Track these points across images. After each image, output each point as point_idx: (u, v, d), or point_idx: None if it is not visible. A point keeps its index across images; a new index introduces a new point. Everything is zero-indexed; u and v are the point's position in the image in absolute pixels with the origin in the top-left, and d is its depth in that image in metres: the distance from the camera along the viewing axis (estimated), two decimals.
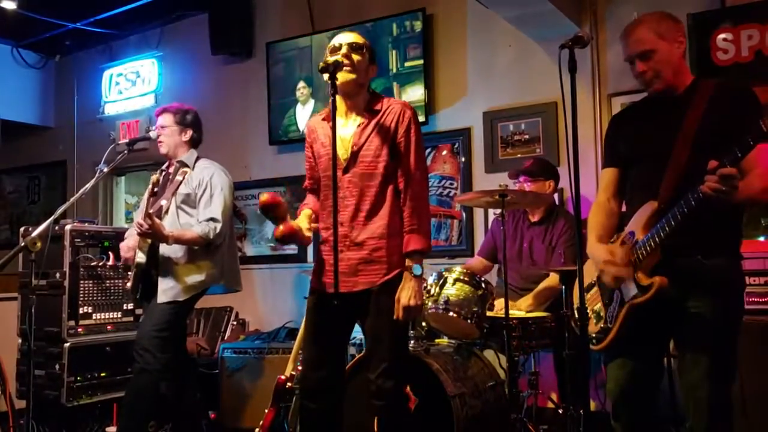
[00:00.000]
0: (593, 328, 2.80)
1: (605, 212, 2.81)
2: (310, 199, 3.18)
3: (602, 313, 2.77)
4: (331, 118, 2.71)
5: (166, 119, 4.23)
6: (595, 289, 2.83)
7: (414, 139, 2.96)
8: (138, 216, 3.87)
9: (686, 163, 2.50)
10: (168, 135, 4.21)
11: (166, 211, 4.04)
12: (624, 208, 2.84)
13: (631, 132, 2.80)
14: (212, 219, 4.02)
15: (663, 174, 2.55)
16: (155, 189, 3.87)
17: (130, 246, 4.14)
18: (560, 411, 4.05)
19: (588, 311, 2.83)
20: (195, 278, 4.03)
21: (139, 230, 3.83)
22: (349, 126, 2.97)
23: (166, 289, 3.99)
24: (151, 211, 3.82)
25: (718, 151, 2.29)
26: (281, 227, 2.78)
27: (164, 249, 4.01)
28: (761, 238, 4.46)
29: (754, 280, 3.65)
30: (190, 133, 4.26)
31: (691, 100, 2.58)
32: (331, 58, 2.81)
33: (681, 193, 2.41)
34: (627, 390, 2.69)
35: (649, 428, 2.75)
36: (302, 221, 2.97)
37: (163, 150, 4.24)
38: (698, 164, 2.35)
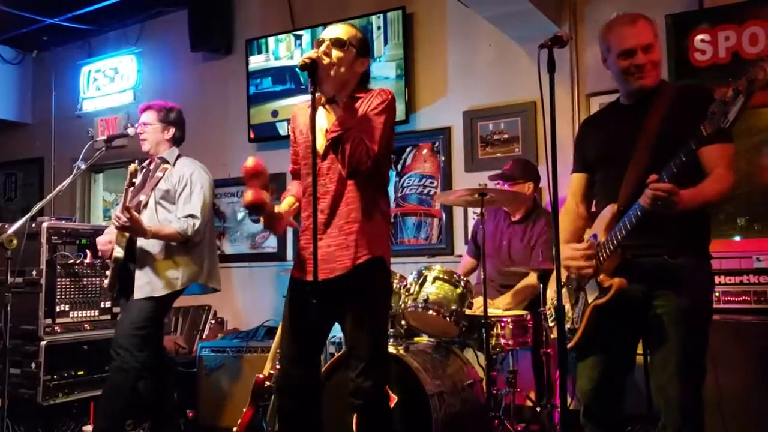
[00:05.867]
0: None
1: (571, 217, 2.90)
2: (293, 185, 3.16)
3: (570, 314, 2.82)
4: (311, 117, 2.68)
5: (150, 116, 4.20)
6: (565, 290, 2.87)
7: (377, 111, 2.84)
8: (116, 210, 3.85)
9: (646, 166, 2.53)
10: (150, 132, 4.19)
11: (145, 206, 4.02)
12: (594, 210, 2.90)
13: (597, 136, 2.87)
14: (191, 216, 4.00)
15: (624, 177, 2.61)
16: (133, 180, 3.83)
17: (108, 240, 4.12)
18: (538, 409, 4.07)
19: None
20: (172, 274, 4.00)
21: (117, 223, 3.81)
22: (330, 116, 2.93)
23: (142, 285, 3.96)
24: (129, 204, 3.80)
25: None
26: (250, 194, 2.76)
27: (142, 243, 3.99)
28: (737, 238, 4.50)
29: (730, 280, 3.69)
30: (172, 131, 4.24)
31: (653, 103, 2.64)
32: (312, 54, 2.75)
33: (639, 196, 2.44)
34: (600, 388, 2.74)
35: (619, 424, 2.84)
36: (283, 208, 2.97)
37: (145, 147, 4.21)
38: (657, 167, 2.40)
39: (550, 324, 3.01)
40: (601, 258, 2.61)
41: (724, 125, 2.18)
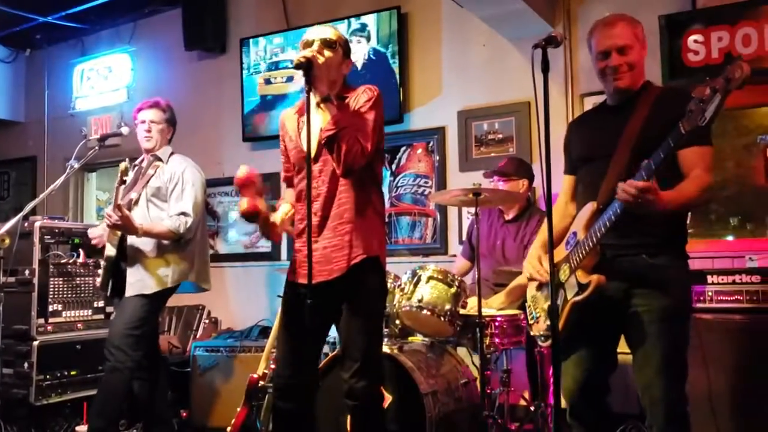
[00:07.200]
0: (542, 326, 2.88)
1: (558, 216, 2.88)
2: (287, 193, 3.16)
3: None
4: (306, 116, 2.67)
5: (158, 115, 4.19)
6: (545, 288, 2.89)
7: (366, 108, 2.86)
8: (108, 209, 3.84)
9: (626, 165, 2.56)
10: (158, 131, 4.18)
11: (136, 203, 4.01)
12: None
13: (581, 136, 2.92)
14: (183, 213, 3.99)
15: (605, 176, 2.63)
16: (124, 179, 3.82)
17: (99, 232, 4.11)
18: (532, 408, 4.08)
19: (538, 310, 2.93)
20: (163, 272, 3.99)
21: (108, 222, 3.80)
22: (320, 118, 2.92)
23: (134, 282, 3.96)
24: (120, 202, 3.79)
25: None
26: (245, 202, 2.80)
27: (133, 240, 3.98)
28: (729, 238, 4.52)
29: (723, 279, 3.69)
30: (172, 130, 4.27)
31: (636, 104, 2.67)
32: (308, 53, 2.74)
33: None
34: (585, 387, 2.76)
35: (605, 422, 2.86)
36: (277, 217, 2.96)
37: (149, 144, 4.18)
38: (637, 166, 2.42)
39: (530, 321, 3.03)
40: (581, 255, 2.61)
41: (701, 123, 2.20)
